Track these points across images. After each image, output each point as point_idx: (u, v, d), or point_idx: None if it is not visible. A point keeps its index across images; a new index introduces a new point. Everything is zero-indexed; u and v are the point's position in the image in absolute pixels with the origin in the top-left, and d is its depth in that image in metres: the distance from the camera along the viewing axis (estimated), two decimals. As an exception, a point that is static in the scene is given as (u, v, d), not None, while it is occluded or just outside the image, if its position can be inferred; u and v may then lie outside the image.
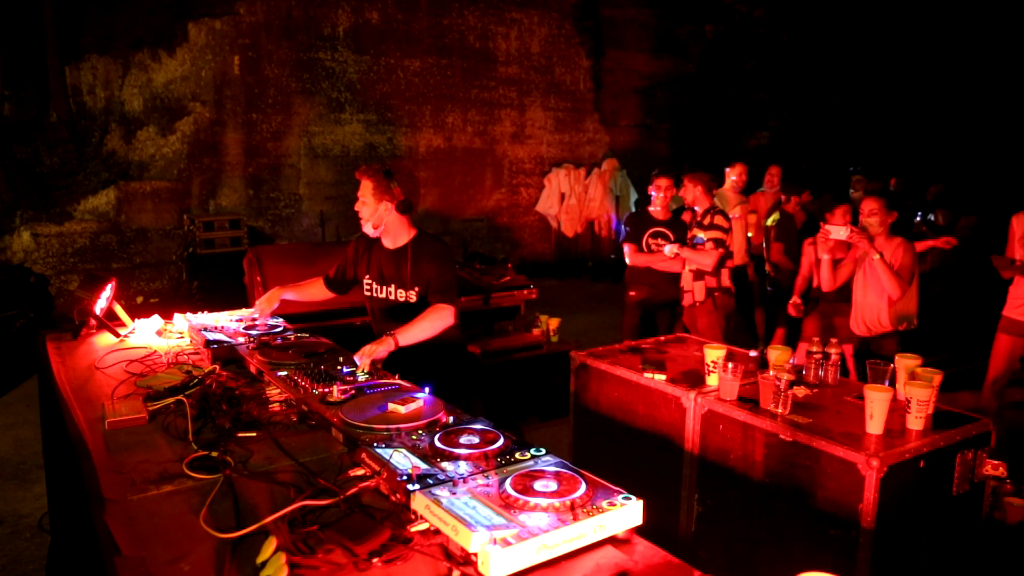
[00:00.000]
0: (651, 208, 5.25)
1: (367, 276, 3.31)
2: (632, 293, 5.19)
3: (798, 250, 5.47)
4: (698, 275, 4.96)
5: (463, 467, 1.68)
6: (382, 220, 3.13)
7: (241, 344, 2.81)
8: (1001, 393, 4.85)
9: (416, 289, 3.15)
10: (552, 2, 11.76)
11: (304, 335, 3.04)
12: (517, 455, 1.75)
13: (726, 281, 4.98)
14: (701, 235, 4.95)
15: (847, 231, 4.11)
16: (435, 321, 2.97)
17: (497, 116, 11.51)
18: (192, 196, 9.33)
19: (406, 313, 3.06)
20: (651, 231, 5.15)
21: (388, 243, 3.22)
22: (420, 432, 1.91)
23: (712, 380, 3.00)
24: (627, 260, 5.23)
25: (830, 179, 8.95)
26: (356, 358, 2.60)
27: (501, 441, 1.82)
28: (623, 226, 5.52)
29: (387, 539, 1.45)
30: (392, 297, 3.21)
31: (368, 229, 3.17)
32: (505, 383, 5.12)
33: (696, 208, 5.13)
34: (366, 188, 3.11)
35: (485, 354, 5.05)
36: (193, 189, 9.35)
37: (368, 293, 3.30)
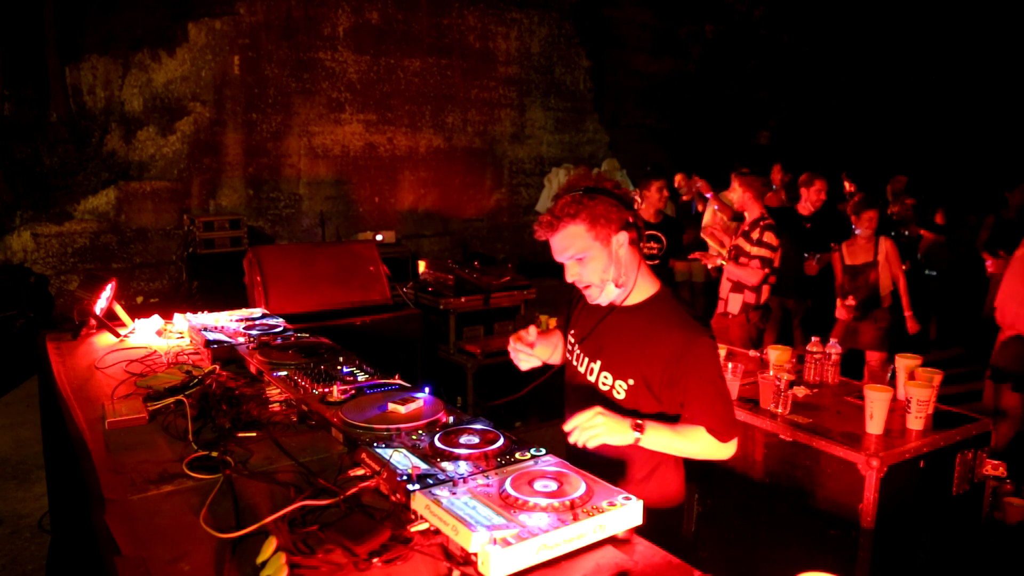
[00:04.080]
0: (641, 211, 5.23)
1: (572, 333, 2.20)
2: None
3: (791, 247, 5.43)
4: (736, 287, 4.74)
5: (463, 467, 1.68)
6: (623, 267, 1.95)
7: (241, 344, 2.81)
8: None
9: (633, 381, 1.99)
10: (552, 2, 11.76)
11: (304, 335, 3.04)
12: (517, 455, 1.75)
13: (765, 298, 4.70)
14: (747, 248, 4.67)
15: None
16: (700, 442, 1.94)
17: (497, 116, 11.51)
18: (192, 196, 9.33)
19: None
20: (644, 235, 5.14)
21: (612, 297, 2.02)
22: (420, 432, 1.91)
23: (712, 380, 2.99)
24: None
25: (830, 178, 8.95)
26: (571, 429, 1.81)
27: (501, 441, 1.82)
28: None
29: (387, 539, 1.45)
30: (594, 379, 2.07)
31: (610, 294, 1.99)
32: (505, 383, 5.11)
33: (745, 214, 4.85)
34: (577, 236, 1.90)
35: (485, 354, 5.05)
36: (193, 189, 9.35)
37: (569, 358, 2.21)
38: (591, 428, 1.76)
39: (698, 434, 1.92)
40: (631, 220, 1.94)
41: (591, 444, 1.76)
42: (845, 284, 4.92)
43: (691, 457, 1.99)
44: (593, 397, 2.04)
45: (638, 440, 1.82)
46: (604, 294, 1.98)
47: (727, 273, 4.79)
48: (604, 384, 2.04)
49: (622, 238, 1.92)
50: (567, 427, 1.78)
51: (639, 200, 5.25)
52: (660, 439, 1.87)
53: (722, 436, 1.93)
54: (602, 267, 1.93)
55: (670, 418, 1.98)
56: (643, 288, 2.02)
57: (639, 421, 1.82)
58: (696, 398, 1.93)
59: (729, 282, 4.80)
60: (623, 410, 1.95)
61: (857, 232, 4.88)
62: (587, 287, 1.98)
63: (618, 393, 2.01)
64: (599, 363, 2.05)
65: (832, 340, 3.12)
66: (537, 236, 1.97)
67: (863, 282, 4.87)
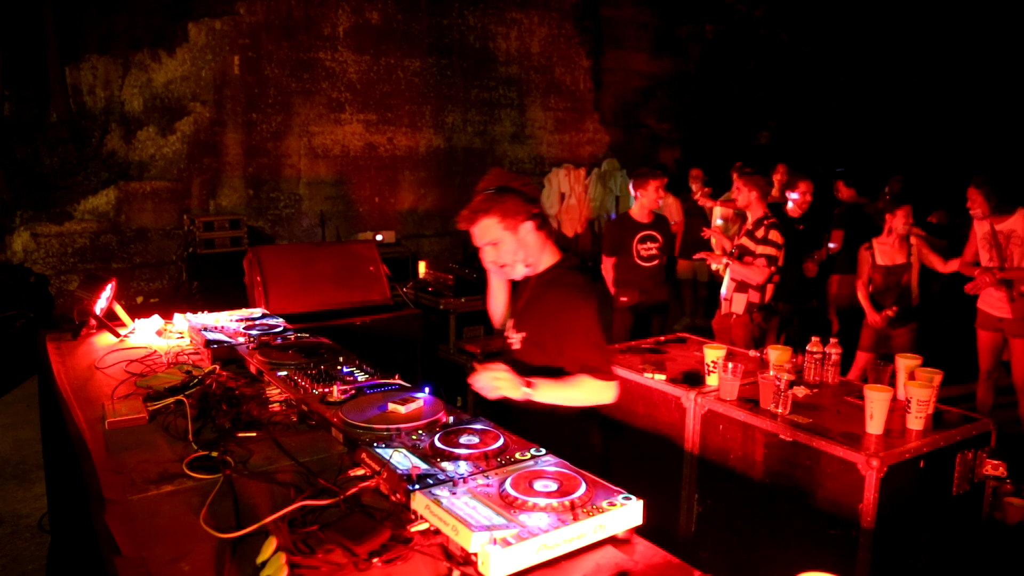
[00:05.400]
0: (633, 211, 5.21)
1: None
2: (623, 299, 5.16)
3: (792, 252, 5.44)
4: (740, 287, 4.69)
5: (463, 467, 1.68)
6: (528, 248, 2.38)
7: (241, 344, 2.81)
8: (994, 387, 4.88)
9: (525, 333, 2.44)
10: (552, 2, 11.76)
11: (304, 335, 3.04)
12: (517, 455, 1.75)
13: (769, 297, 4.67)
14: (751, 247, 4.65)
15: None
16: (583, 388, 2.27)
17: (497, 116, 11.51)
18: (192, 196, 9.33)
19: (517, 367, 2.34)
20: (639, 236, 5.12)
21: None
22: (420, 432, 1.91)
23: (712, 380, 3.00)
24: (604, 272, 5.25)
25: (828, 178, 8.95)
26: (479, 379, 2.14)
27: (501, 441, 1.82)
28: (604, 235, 5.44)
29: (387, 539, 1.45)
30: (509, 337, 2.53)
31: (520, 271, 2.44)
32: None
33: (748, 213, 4.83)
34: (490, 228, 2.32)
35: (485, 354, 5.05)
36: (193, 189, 9.35)
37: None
38: (493, 381, 2.11)
39: (580, 380, 2.24)
40: (535, 212, 2.34)
41: (491, 396, 2.13)
42: (877, 284, 4.81)
43: (580, 403, 2.30)
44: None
45: (530, 395, 2.15)
46: (516, 271, 2.42)
47: (732, 273, 4.76)
48: (510, 339, 2.48)
49: (528, 226, 2.33)
50: (473, 378, 2.12)
51: (635, 198, 5.22)
52: (550, 391, 2.20)
53: (601, 375, 2.25)
54: (511, 250, 2.35)
55: (554, 371, 2.31)
56: (547, 260, 2.44)
57: (531, 380, 2.15)
58: (571, 345, 2.29)
59: (733, 282, 4.78)
60: (518, 362, 2.37)
61: (891, 230, 4.74)
62: (503, 266, 2.40)
63: (516, 344, 2.44)
64: (512, 322, 2.52)
65: (832, 340, 3.11)
66: (459, 226, 2.38)
67: (895, 283, 4.76)
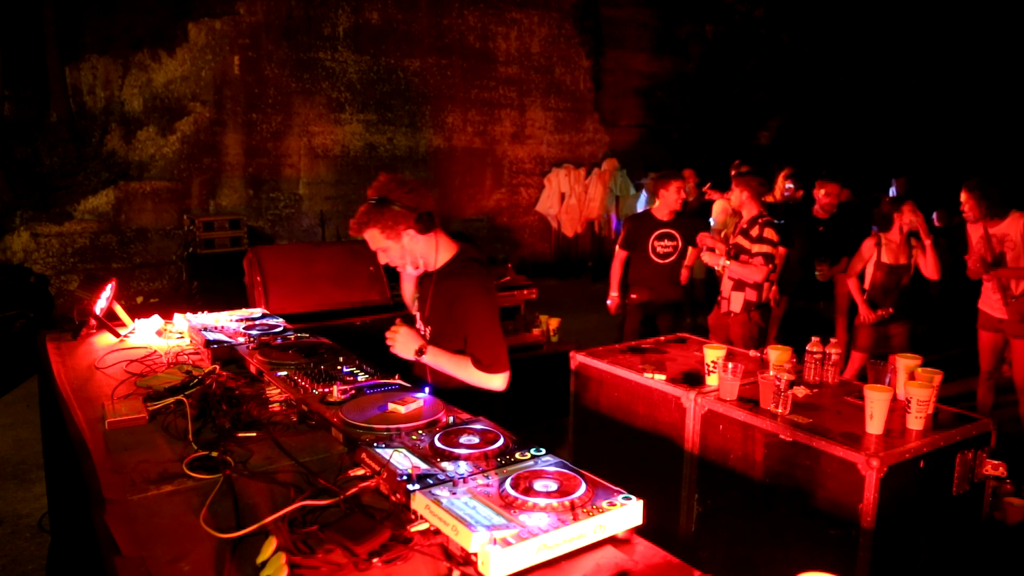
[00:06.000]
0: (654, 209, 5.23)
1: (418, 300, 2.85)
2: (633, 296, 5.18)
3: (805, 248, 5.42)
4: (738, 285, 4.70)
5: (463, 467, 1.68)
6: (416, 252, 2.56)
7: (241, 344, 2.81)
8: (995, 387, 4.88)
9: (431, 327, 2.63)
10: (552, 2, 11.76)
11: (304, 335, 3.04)
12: (517, 455, 1.75)
13: (767, 295, 4.67)
14: (747, 246, 4.66)
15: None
16: (468, 371, 2.52)
17: (497, 116, 11.51)
18: (192, 196, 9.33)
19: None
20: (657, 233, 5.13)
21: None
22: (420, 432, 1.91)
23: (712, 380, 3.00)
24: (612, 265, 5.27)
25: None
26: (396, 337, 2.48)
27: (501, 441, 1.82)
28: (622, 229, 5.47)
29: (387, 539, 1.45)
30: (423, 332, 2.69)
31: (410, 271, 2.65)
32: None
33: (743, 212, 4.83)
34: (375, 237, 2.49)
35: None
36: (193, 189, 9.35)
37: None
38: (391, 337, 2.50)
39: (466, 364, 2.49)
40: (416, 220, 2.46)
41: (392, 350, 2.51)
42: (876, 282, 4.80)
43: (466, 380, 2.51)
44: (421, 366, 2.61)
45: (420, 356, 2.47)
46: (407, 270, 2.62)
47: (729, 272, 4.77)
48: (421, 331, 2.66)
49: (411, 233, 2.48)
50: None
51: (656, 199, 5.24)
52: (438, 360, 2.50)
53: (482, 367, 2.48)
54: (398, 255, 2.54)
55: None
56: (444, 254, 2.59)
57: (426, 345, 2.47)
58: (466, 333, 2.50)
59: (731, 280, 4.79)
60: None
61: (901, 228, 4.72)
62: (396, 266, 2.60)
63: (426, 336, 2.61)
64: (419, 315, 2.70)
65: (832, 340, 3.11)
66: (350, 234, 2.55)
67: (894, 284, 4.76)
